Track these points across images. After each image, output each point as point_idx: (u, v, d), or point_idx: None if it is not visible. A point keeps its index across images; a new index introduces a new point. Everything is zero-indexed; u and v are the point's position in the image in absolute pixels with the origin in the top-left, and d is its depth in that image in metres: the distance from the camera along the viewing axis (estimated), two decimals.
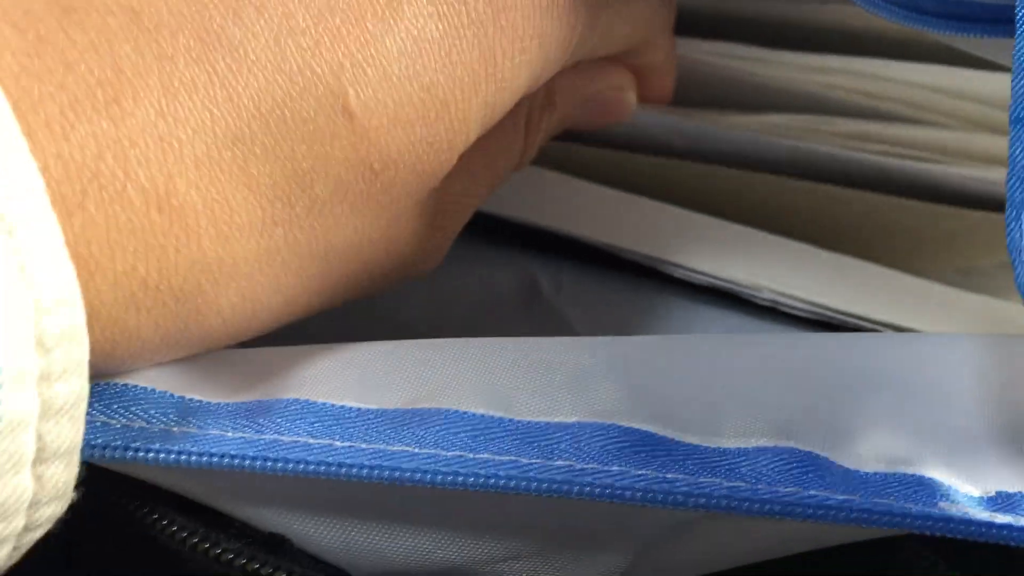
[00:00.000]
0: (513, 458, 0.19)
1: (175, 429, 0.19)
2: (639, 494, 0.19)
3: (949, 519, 0.19)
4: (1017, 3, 0.19)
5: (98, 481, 0.19)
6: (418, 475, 0.19)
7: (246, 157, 0.19)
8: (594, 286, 0.31)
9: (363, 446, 0.19)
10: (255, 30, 0.19)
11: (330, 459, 0.19)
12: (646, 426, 0.20)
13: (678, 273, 0.31)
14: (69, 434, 0.17)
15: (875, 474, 0.20)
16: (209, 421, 0.19)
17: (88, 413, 0.18)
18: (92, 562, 0.22)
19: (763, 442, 0.20)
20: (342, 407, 0.20)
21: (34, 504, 0.17)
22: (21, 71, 0.17)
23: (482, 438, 0.19)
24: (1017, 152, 0.19)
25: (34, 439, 0.17)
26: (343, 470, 0.19)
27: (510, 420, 0.20)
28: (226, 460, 0.19)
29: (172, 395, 0.20)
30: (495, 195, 0.27)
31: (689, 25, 0.32)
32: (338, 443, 0.19)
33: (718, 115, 0.32)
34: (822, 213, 0.31)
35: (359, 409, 0.20)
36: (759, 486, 0.19)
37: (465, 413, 0.20)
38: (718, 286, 0.31)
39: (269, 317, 0.21)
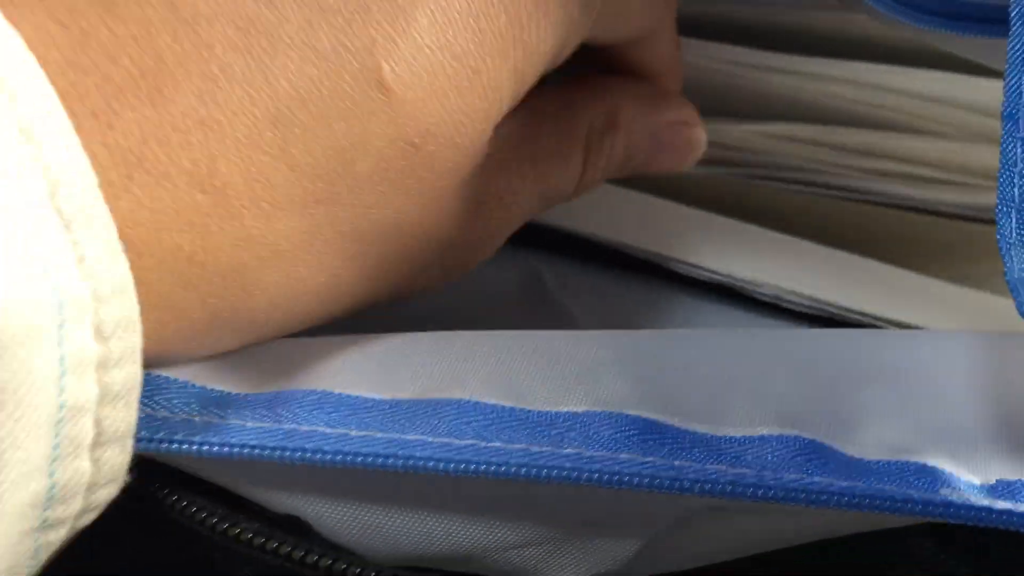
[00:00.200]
0: (524, 446, 0.20)
1: (196, 418, 0.20)
2: (647, 480, 0.19)
3: (950, 504, 0.20)
4: (1011, 1, 0.19)
5: None
6: (431, 463, 0.19)
7: (286, 137, 0.19)
8: (598, 282, 0.32)
9: (378, 435, 0.20)
10: (287, 14, 0.19)
11: (346, 448, 0.19)
12: (654, 415, 0.20)
13: (681, 269, 0.31)
14: (125, 419, 0.18)
15: (878, 462, 0.20)
16: (229, 411, 0.20)
17: None
18: (112, 542, 0.22)
19: (768, 430, 0.20)
20: (358, 397, 0.20)
21: (91, 487, 0.18)
22: (67, 65, 0.18)
23: (494, 427, 0.20)
24: (1008, 149, 0.19)
25: (92, 424, 0.17)
26: (359, 459, 0.19)
27: (521, 410, 0.20)
28: (246, 450, 0.19)
29: (194, 384, 0.20)
30: None
31: (691, 29, 0.32)
32: (353, 432, 0.20)
33: (725, 124, 0.32)
34: (820, 220, 0.31)
35: (374, 399, 0.20)
36: (764, 472, 0.20)
37: (478, 403, 0.20)
38: (720, 282, 0.31)
39: (315, 301, 0.21)
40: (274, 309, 0.21)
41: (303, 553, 0.21)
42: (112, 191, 0.18)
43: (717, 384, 0.21)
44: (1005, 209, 0.19)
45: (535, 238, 0.31)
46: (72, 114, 0.17)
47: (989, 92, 0.31)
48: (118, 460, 0.18)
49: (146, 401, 0.20)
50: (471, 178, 0.22)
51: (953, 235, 0.31)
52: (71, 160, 0.17)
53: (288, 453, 0.19)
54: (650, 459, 0.20)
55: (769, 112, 0.31)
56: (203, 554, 0.22)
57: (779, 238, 0.32)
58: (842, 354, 0.22)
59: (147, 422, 0.19)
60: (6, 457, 0.16)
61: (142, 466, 0.19)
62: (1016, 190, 0.18)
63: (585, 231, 0.31)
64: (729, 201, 0.32)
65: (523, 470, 0.19)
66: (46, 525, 0.17)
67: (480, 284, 0.29)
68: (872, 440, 0.21)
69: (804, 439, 0.20)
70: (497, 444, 0.20)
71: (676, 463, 0.20)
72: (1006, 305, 0.30)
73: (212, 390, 0.20)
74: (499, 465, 0.19)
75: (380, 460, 0.19)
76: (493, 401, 0.20)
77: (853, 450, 0.20)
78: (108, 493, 0.18)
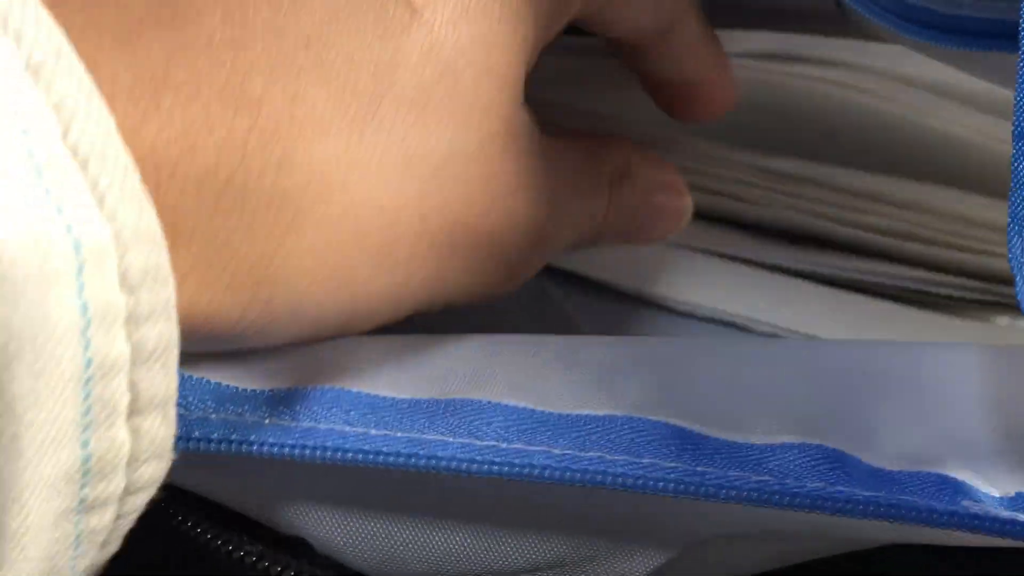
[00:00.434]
0: (546, 448, 0.19)
1: (213, 416, 0.19)
2: (671, 485, 0.19)
3: (975, 517, 0.19)
4: (1022, 20, 0.19)
5: None
6: (453, 463, 0.19)
7: (321, 57, 0.19)
8: (603, 292, 0.31)
9: (398, 434, 0.19)
10: None
11: (366, 447, 0.19)
12: (676, 420, 0.20)
13: (680, 308, 0.31)
14: (163, 383, 0.16)
15: (900, 472, 0.20)
16: (246, 408, 0.19)
17: None
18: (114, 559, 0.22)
19: (790, 439, 0.20)
20: (377, 396, 0.20)
21: (133, 461, 0.16)
22: (85, 2, 0.18)
23: (515, 428, 0.19)
24: (1020, 167, 0.19)
25: (127, 387, 0.16)
26: (380, 457, 0.19)
27: (542, 411, 0.20)
28: (264, 448, 0.19)
29: (209, 381, 0.20)
30: None
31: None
32: (373, 431, 0.19)
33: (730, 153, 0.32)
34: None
35: (393, 399, 0.20)
36: (787, 480, 0.19)
37: (498, 404, 0.20)
38: (717, 319, 0.31)
39: (373, 246, 0.20)
40: (330, 253, 0.20)
41: None
42: (139, 111, 0.18)
43: (738, 392, 0.21)
44: (1016, 228, 0.19)
45: None
46: (91, 44, 0.17)
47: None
48: (160, 432, 0.17)
49: None
50: (515, 118, 0.22)
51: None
52: (84, 99, 0.16)
53: (308, 451, 0.19)
54: (673, 464, 0.19)
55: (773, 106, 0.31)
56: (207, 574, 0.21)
57: (774, 279, 0.32)
58: (862, 364, 0.22)
59: None
60: (29, 417, 0.15)
61: None
62: None
63: (583, 271, 0.31)
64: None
65: (546, 471, 0.19)
66: (85, 506, 0.16)
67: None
68: (893, 450, 0.20)
69: (827, 448, 0.20)
70: (518, 445, 0.19)
71: (699, 468, 0.19)
72: (1008, 334, 0.30)
73: (228, 387, 0.20)
74: (521, 466, 0.19)
75: (402, 459, 0.19)
76: (514, 402, 0.20)
77: (875, 460, 0.20)
78: (153, 471, 0.17)
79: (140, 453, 0.17)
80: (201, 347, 0.20)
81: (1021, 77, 0.19)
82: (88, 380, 0.15)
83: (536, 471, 0.19)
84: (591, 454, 0.19)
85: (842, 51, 0.31)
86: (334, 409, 0.20)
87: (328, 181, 0.19)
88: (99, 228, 0.15)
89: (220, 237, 0.18)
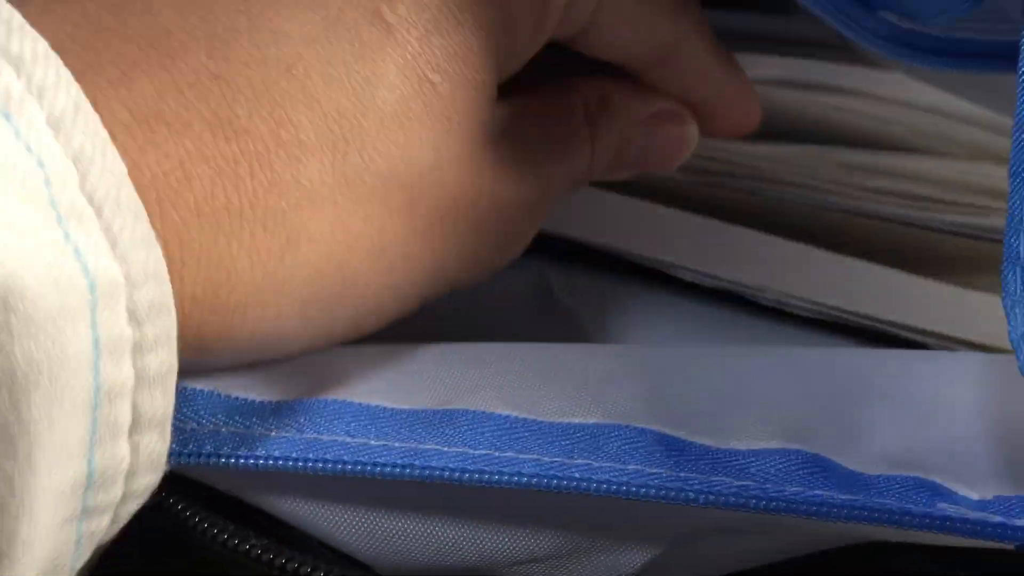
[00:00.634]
0: (536, 456, 0.20)
1: (223, 429, 0.20)
2: (653, 491, 0.20)
3: (947, 519, 0.20)
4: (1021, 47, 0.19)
5: None
6: (447, 473, 0.20)
7: (303, 83, 0.20)
8: (604, 288, 0.32)
9: (396, 444, 0.20)
10: None
11: (365, 458, 0.20)
12: (661, 428, 0.21)
13: (685, 275, 0.32)
14: (162, 404, 0.18)
15: (878, 476, 0.21)
16: (254, 420, 0.20)
17: None
18: (121, 557, 0.23)
19: (773, 444, 0.21)
20: (377, 407, 0.21)
21: (131, 474, 0.18)
22: (83, 50, 0.19)
23: (507, 437, 0.20)
24: (1015, 206, 0.19)
25: (130, 409, 0.17)
26: (377, 468, 0.20)
27: (533, 420, 0.21)
28: (271, 462, 0.20)
29: (219, 394, 0.21)
30: None
31: None
32: (373, 442, 0.20)
33: (730, 144, 0.32)
34: (823, 232, 0.32)
35: (392, 409, 0.21)
36: (767, 485, 0.20)
37: (491, 414, 0.21)
38: (724, 287, 0.32)
39: (367, 258, 0.21)
40: (327, 263, 0.21)
41: (309, 569, 0.21)
42: (137, 146, 0.19)
43: (724, 398, 0.22)
44: (1010, 266, 0.19)
45: (543, 245, 0.31)
46: (90, 85, 0.18)
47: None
48: (157, 447, 0.18)
49: (177, 415, 0.20)
50: (499, 134, 0.23)
51: (955, 249, 0.31)
52: (100, 150, 0.17)
53: (311, 464, 0.20)
54: (657, 470, 0.20)
55: (772, 127, 0.32)
56: (213, 569, 0.22)
57: (782, 243, 0.32)
58: (846, 371, 0.23)
59: (176, 435, 0.20)
60: (43, 439, 0.16)
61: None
62: (1021, 247, 0.18)
63: (589, 239, 0.32)
64: (730, 209, 0.32)
65: (535, 480, 0.20)
66: (87, 512, 0.18)
67: (489, 292, 0.30)
68: (874, 454, 0.21)
69: (807, 453, 0.21)
70: (510, 454, 0.20)
71: (682, 474, 0.20)
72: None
73: (236, 398, 0.21)
74: (511, 475, 0.20)
75: (399, 470, 0.20)
76: (506, 412, 0.21)
77: (855, 464, 0.21)
78: (149, 481, 0.19)
79: (138, 466, 0.18)
80: (219, 365, 0.21)
81: (1018, 117, 0.19)
82: (96, 405, 0.17)
83: (525, 479, 0.20)
84: (579, 462, 0.20)
85: (847, 77, 0.31)
86: (336, 421, 0.21)
87: (318, 199, 0.20)
88: (112, 269, 0.17)
89: (225, 261, 0.20)
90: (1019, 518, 0.20)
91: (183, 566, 0.23)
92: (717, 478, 0.20)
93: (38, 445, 0.16)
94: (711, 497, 0.20)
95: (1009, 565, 0.22)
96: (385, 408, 0.21)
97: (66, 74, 0.17)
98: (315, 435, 0.20)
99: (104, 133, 0.17)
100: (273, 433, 0.20)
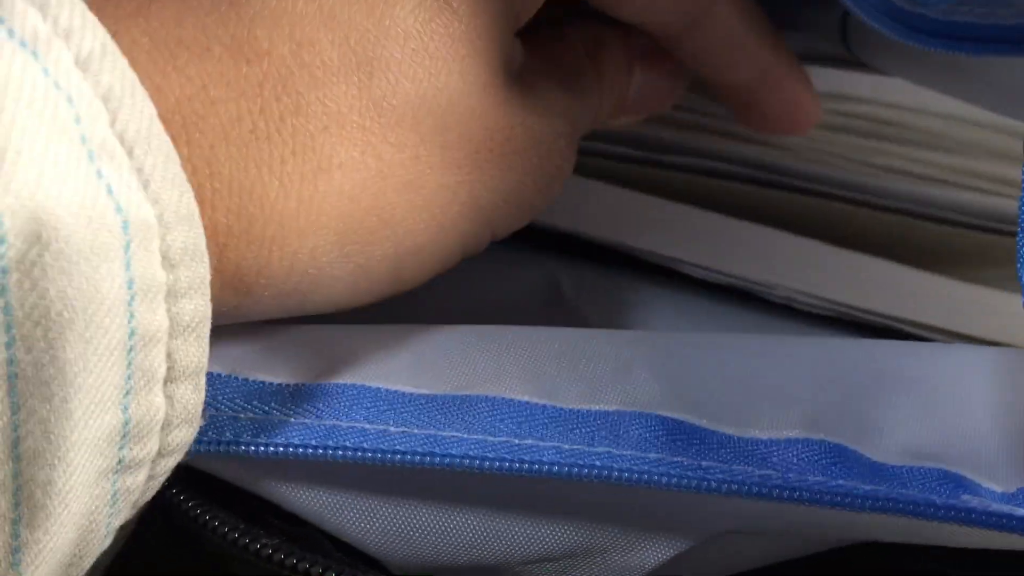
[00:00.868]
0: (556, 444, 0.20)
1: (241, 415, 0.20)
2: (674, 480, 0.20)
3: (971, 511, 0.20)
4: None
5: None
6: (467, 460, 0.20)
7: (321, 2, 0.20)
8: (613, 286, 0.32)
9: (416, 432, 0.20)
10: None
11: (385, 445, 0.20)
12: (683, 416, 0.21)
13: (695, 272, 0.32)
14: (196, 353, 0.18)
15: (902, 467, 0.21)
16: (272, 405, 0.20)
17: None
18: (129, 553, 0.23)
19: (795, 434, 0.21)
20: (395, 392, 0.21)
21: (166, 426, 0.18)
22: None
23: (527, 425, 0.20)
24: None
25: (164, 357, 0.17)
26: (397, 456, 0.20)
27: (554, 407, 0.21)
28: (290, 450, 0.20)
29: (236, 377, 0.20)
30: None
31: None
32: (392, 429, 0.20)
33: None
34: (831, 228, 0.32)
35: (411, 394, 0.21)
36: (789, 475, 0.20)
37: (511, 400, 0.21)
38: (734, 284, 0.32)
39: (400, 181, 0.21)
40: (361, 191, 0.20)
41: (321, 569, 0.21)
42: (160, 71, 0.19)
43: (746, 387, 0.22)
44: None
45: (552, 244, 0.31)
46: (109, 18, 0.18)
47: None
48: (192, 398, 0.18)
49: None
50: (523, 67, 0.23)
51: (967, 244, 0.31)
52: (129, 90, 0.17)
53: (331, 452, 0.20)
54: (678, 459, 0.20)
55: None
56: (226, 568, 0.22)
57: (792, 239, 0.32)
58: (868, 362, 0.22)
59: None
60: (79, 381, 0.16)
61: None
62: None
63: (598, 236, 0.32)
64: (739, 205, 0.32)
65: (555, 468, 0.20)
66: (123, 466, 0.17)
67: (498, 290, 0.29)
68: (896, 446, 0.21)
69: (830, 443, 0.21)
70: (530, 441, 0.20)
71: (704, 463, 0.20)
72: (1015, 302, 0.31)
73: (254, 382, 0.20)
74: (531, 463, 0.20)
75: (419, 458, 0.20)
76: (526, 398, 0.21)
77: (877, 455, 0.21)
78: (183, 435, 0.18)
79: (173, 418, 0.18)
80: (264, 311, 0.21)
81: None
82: (131, 349, 0.17)
83: (545, 467, 0.20)
84: (600, 449, 0.20)
85: (856, 85, 0.31)
86: (355, 406, 0.20)
87: (346, 123, 0.20)
88: (145, 209, 0.17)
89: (256, 188, 0.19)
90: None
91: (188, 561, 0.22)
92: (738, 467, 0.20)
93: (74, 391, 0.16)
94: (733, 487, 0.20)
95: (1009, 564, 0.22)
96: (404, 393, 0.21)
97: (91, 17, 0.17)
98: (334, 421, 0.20)
99: (132, 74, 0.17)
100: (292, 419, 0.20)
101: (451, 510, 0.22)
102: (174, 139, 0.18)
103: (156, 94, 0.18)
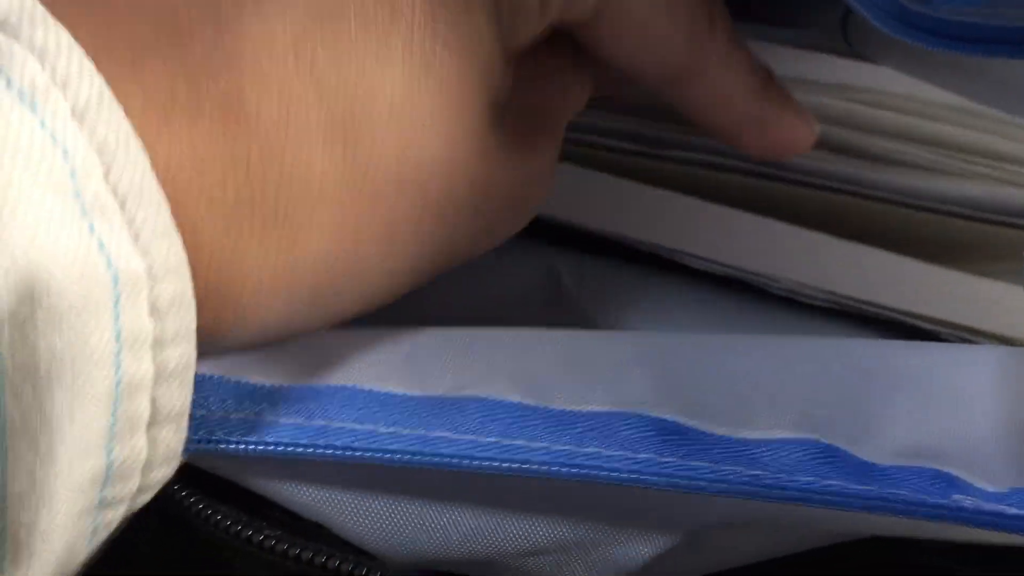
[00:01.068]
0: (546, 445, 0.20)
1: (233, 415, 0.20)
2: (664, 480, 0.20)
3: (962, 509, 0.20)
4: None
5: None
6: (455, 460, 0.20)
7: (310, 64, 0.20)
8: (614, 279, 0.32)
9: (405, 432, 0.20)
10: None
11: (374, 445, 0.20)
12: (673, 416, 0.21)
13: (697, 264, 0.32)
14: (180, 397, 0.18)
15: (893, 466, 0.21)
16: (264, 406, 0.20)
17: None
18: (130, 545, 0.23)
19: (786, 434, 0.21)
20: (387, 393, 0.21)
21: (148, 466, 0.18)
22: (97, 33, 0.19)
23: (517, 425, 0.20)
24: None
25: (149, 403, 0.18)
26: (387, 455, 0.20)
27: (544, 408, 0.21)
28: (280, 448, 0.20)
29: (227, 379, 0.21)
30: None
31: None
32: (382, 429, 0.20)
33: None
34: (833, 220, 0.32)
35: (403, 395, 0.21)
36: (780, 475, 0.20)
37: (502, 401, 0.21)
38: (735, 275, 0.32)
39: (376, 235, 0.21)
40: (337, 249, 0.20)
41: (324, 558, 0.21)
42: (152, 131, 0.19)
43: (737, 387, 0.22)
44: None
45: (552, 237, 0.31)
46: (104, 69, 0.18)
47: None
48: (174, 440, 0.18)
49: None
50: (507, 107, 0.23)
51: (971, 236, 0.31)
52: (123, 142, 0.17)
53: (320, 451, 0.20)
54: (668, 459, 0.20)
55: None
56: (223, 559, 0.22)
57: (795, 231, 0.32)
58: (861, 361, 0.22)
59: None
60: (64, 431, 0.16)
61: None
62: None
63: (598, 227, 0.32)
64: (741, 197, 0.32)
65: (544, 468, 0.20)
66: (104, 504, 0.18)
67: (499, 283, 0.30)
68: (888, 445, 0.21)
69: (821, 443, 0.21)
70: (520, 442, 0.20)
71: (693, 463, 0.20)
72: (1020, 295, 0.31)
73: (245, 384, 0.21)
74: (521, 463, 0.20)
75: (408, 457, 0.20)
76: (517, 399, 0.21)
77: (869, 454, 0.21)
78: (164, 473, 0.19)
79: (155, 459, 0.18)
80: (232, 352, 0.21)
81: None
82: (117, 399, 0.17)
83: (535, 468, 0.20)
84: (589, 450, 0.20)
85: (848, 72, 0.30)
86: (346, 408, 0.20)
87: (327, 191, 0.20)
88: (135, 261, 0.17)
89: (236, 251, 0.19)
90: None
91: (189, 554, 0.23)
92: (729, 467, 0.20)
93: (59, 439, 0.16)
94: (723, 486, 0.20)
95: (1011, 562, 0.22)
96: (395, 395, 0.21)
97: (88, 65, 0.17)
98: (324, 421, 0.20)
99: (127, 124, 0.17)
100: (282, 419, 0.20)
101: (445, 507, 0.22)
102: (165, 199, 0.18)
103: (147, 152, 0.18)
